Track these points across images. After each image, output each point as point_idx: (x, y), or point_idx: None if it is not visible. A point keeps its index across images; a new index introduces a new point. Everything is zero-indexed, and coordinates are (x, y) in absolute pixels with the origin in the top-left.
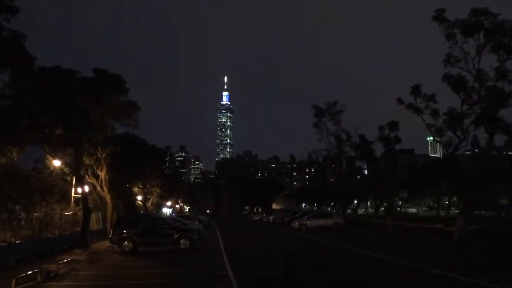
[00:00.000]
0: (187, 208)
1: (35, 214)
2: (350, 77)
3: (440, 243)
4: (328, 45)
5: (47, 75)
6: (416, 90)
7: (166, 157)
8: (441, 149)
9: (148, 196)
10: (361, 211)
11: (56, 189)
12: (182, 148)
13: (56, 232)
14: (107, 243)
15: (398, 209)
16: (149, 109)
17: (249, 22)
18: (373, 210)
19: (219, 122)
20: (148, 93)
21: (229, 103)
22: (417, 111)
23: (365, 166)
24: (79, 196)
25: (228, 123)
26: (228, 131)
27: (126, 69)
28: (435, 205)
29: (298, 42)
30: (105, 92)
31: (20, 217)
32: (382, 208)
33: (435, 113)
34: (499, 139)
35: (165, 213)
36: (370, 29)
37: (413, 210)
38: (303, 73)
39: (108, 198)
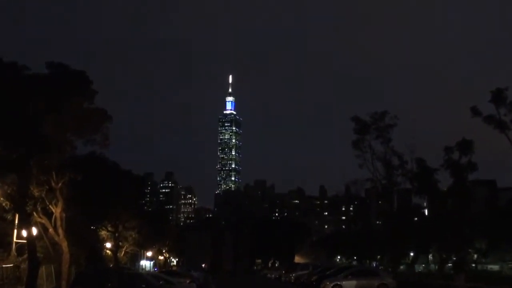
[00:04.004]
0: (174, 261)
1: None
2: (402, 79)
3: None
4: (370, 38)
5: None
6: (498, 97)
7: (147, 188)
8: None
9: (120, 243)
10: (420, 267)
11: None
12: (169, 176)
13: None
14: None
15: (473, 265)
16: (124, 121)
17: (262, 6)
18: (436, 267)
19: (221, 140)
20: (122, 100)
21: (234, 112)
22: (500, 125)
23: (425, 204)
24: (24, 241)
25: (233, 140)
26: (233, 152)
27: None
28: None
29: (327, 33)
30: (63, 96)
31: None
32: (450, 264)
33: None
34: None
35: (143, 267)
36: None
37: (495, 266)
38: (336, 75)
39: (64, 245)
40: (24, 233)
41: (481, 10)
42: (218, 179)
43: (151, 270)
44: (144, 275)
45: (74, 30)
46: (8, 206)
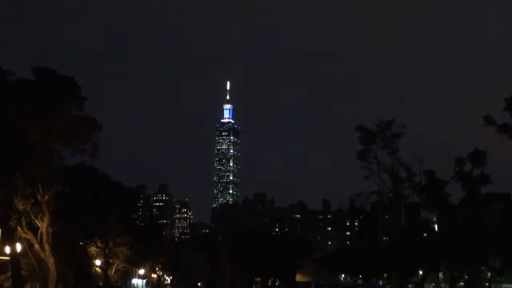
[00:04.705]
0: (168, 279)
1: None
2: (409, 86)
3: None
4: (374, 40)
5: None
6: None
7: (139, 202)
8: None
9: (111, 260)
10: (429, 286)
11: None
12: (163, 189)
13: None
14: None
15: (487, 284)
16: (116, 130)
17: (261, 7)
18: (447, 285)
19: (218, 150)
20: (115, 108)
21: (232, 121)
22: None
23: (435, 218)
24: (7, 258)
25: (231, 151)
26: (231, 164)
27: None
28: None
29: (330, 35)
30: (51, 103)
31: None
32: (462, 283)
33: None
34: None
35: (135, 285)
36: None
37: (510, 285)
38: (339, 79)
39: (50, 262)
40: (7, 249)
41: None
42: (215, 192)
43: None
44: None
45: (71, 34)
46: None
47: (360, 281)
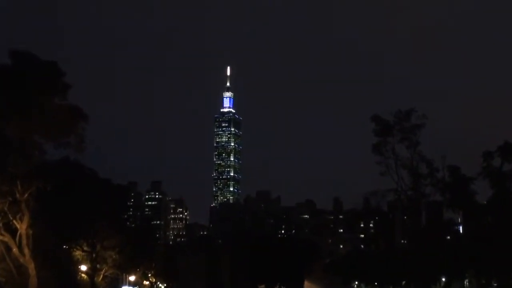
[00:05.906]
0: (162, 286)
1: None
2: (429, 72)
3: None
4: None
5: None
6: None
7: (130, 200)
8: None
9: (98, 266)
10: None
11: None
12: (156, 186)
13: None
14: None
15: None
16: (104, 121)
17: None
18: None
19: (217, 143)
20: (102, 97)
21: (233, 110)
22: None
23: (459, 219)
24: None
25: (232, 144)
26: (232, 158)
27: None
28: None
29: (337, 25)
30: (30, 90)
31: None
32: None
33: None
34: None
35: None
36: None
37: None
38: (352, 66)
39: (31, 267)
40: None
41: None
42: (214, 189)
43: None
44: None
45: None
46: None
47: None
